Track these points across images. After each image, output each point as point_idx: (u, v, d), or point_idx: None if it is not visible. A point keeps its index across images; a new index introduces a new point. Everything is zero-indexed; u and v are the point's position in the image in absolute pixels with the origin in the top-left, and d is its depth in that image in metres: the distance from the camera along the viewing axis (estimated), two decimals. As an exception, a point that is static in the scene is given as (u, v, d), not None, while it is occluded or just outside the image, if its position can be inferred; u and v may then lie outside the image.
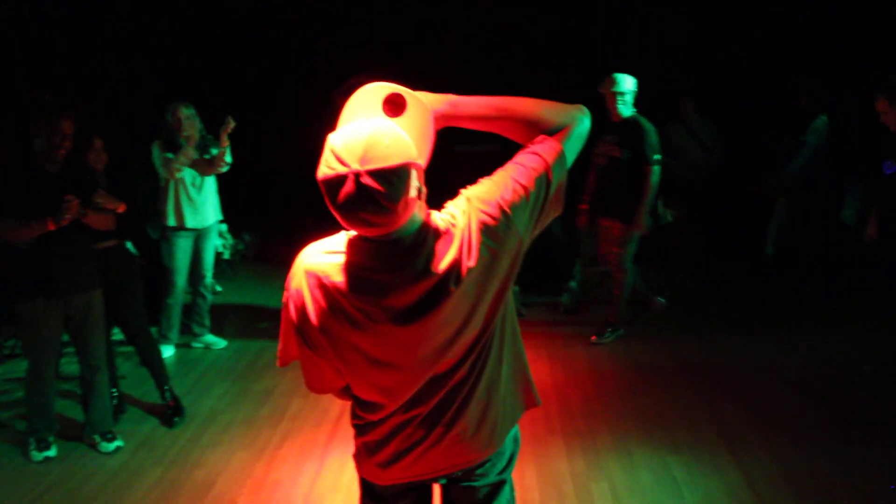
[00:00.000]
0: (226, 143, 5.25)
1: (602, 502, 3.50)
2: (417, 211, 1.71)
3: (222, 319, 6.28)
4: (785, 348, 5.32)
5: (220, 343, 5.73)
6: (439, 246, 1.72)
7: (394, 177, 1.59)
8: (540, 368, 5.00)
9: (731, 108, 7.34)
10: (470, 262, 1.71)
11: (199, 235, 5.48)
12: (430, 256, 1.71)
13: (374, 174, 1.57)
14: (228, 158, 5.35)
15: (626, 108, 5.25)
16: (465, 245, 1.71)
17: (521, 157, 1.80)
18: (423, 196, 1.72)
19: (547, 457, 3.87)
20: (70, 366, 4.89)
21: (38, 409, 4.07)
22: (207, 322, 5.75)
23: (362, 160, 1.58)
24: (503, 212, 1.73)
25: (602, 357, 5.30)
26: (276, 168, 8.63)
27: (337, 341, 1.78)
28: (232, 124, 5.21)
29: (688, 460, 3.83)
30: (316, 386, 1.98)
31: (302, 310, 1.80)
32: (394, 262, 1.70)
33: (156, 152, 5.24)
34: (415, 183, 1.65)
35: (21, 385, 4.24)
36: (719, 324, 5.95)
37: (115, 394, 4.52)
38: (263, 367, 5.30)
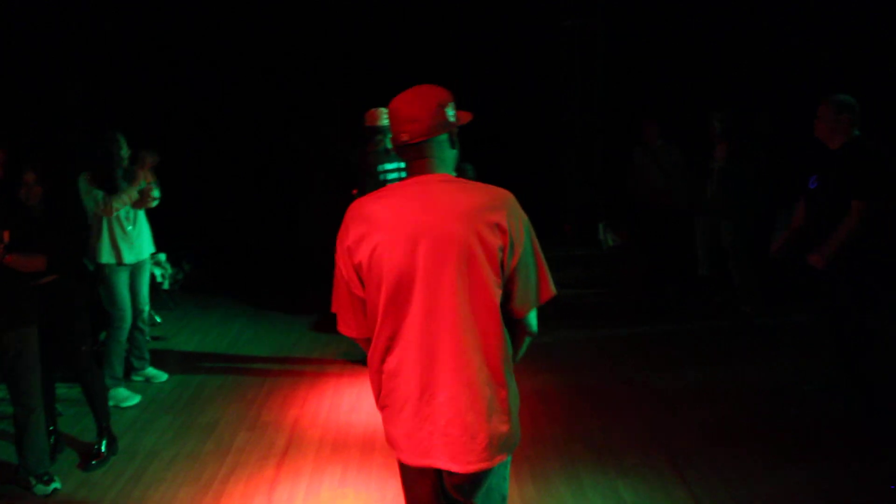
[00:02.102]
0: (149, 178, 5.15)
1: (553, 528, 3.52)
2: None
3: (163, 352, 6.14)
4: (728, 369, 5.44)
5: (161, 376, 5.58)
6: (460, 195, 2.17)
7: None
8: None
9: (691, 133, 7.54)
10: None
11: (135, 269, 5.32)
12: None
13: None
14: (156, 193, 5.24)
15: None
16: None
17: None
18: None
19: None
20: (5, 406, 4.71)
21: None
22: (147, 355, 5.60)
23: None
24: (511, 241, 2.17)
25: (548, 381, 5.33)
26: (214, 193, 8.54)
27: (371, 261, 2.17)
28: (154, 160, 5.11)
29: (636, 483, 3.87)
30: (352, 325, 2.32)
31: (345, 245, 2.22)
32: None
33: (84, 187, 5.00)
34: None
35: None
36: (664, 345, 6.06)
37: (52, 430, 4.35)
38: (206, 400, 5.19)
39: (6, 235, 3.80)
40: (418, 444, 2.24)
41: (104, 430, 4.37)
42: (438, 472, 2.35)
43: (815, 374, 5.06)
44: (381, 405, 2.33)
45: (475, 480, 2.28)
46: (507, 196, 2.20)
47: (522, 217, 2.21)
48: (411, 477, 2.42)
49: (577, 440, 4.40)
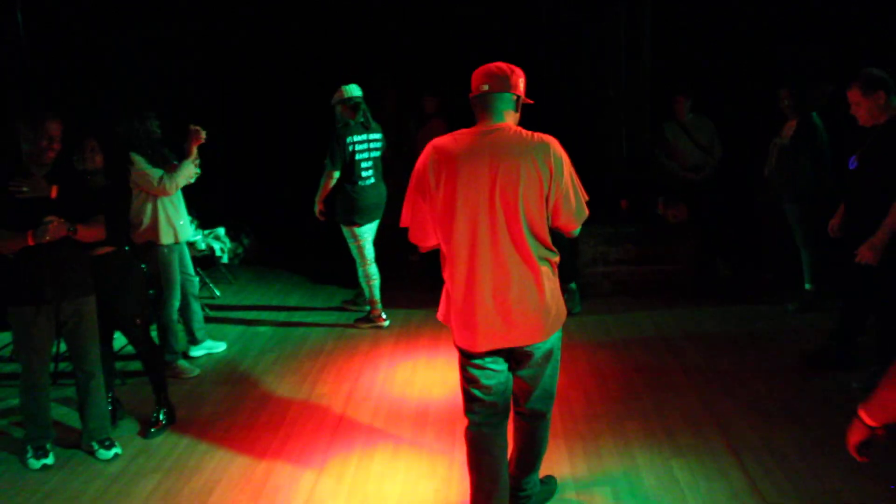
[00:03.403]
0: (193, 153, 5.08)
1: (605, 506, 3.47)
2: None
3: (221, 325, 6.26)
4: (788, 350, 5.27)
5: (219, 347, 5.69)
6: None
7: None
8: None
9: (727, 109, 7.32)
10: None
11: (182, 245, 5.37)
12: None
13: None
14: (197, 170, 5.18)
15: None
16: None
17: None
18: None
19: (549, 460, 3.81)
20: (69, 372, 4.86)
21: (34, 416, 4.03)
22: (205, 326, 5.70)
23: None
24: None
25: (604, 359, 5.26)
26: (272, 169, 8.62)
27: (439, 180, 2.86)
28: (203, 134, 5.08)
29: (691, 463, 3.79)
30: (418, 236, 3.02)
31: (421, 166, 2.93)
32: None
33: (146, 166, 4.91)
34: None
35: (17, 392, 4.20)
36: (720, 323, 5.92)
37: (111, 397, 4.47)
38: (262, 372, 5.27)
39: (54, 190, 3.82)
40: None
41: (162, 400, 4.47)
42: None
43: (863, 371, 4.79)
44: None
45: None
46: (551, 140, 2.89)
47: (562, 157, 2.87)
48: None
49: (632, 419, 4.33)
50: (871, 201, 4.32)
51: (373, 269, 6.04)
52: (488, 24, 8.12)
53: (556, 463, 3.83)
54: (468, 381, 3.06)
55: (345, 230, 5.96)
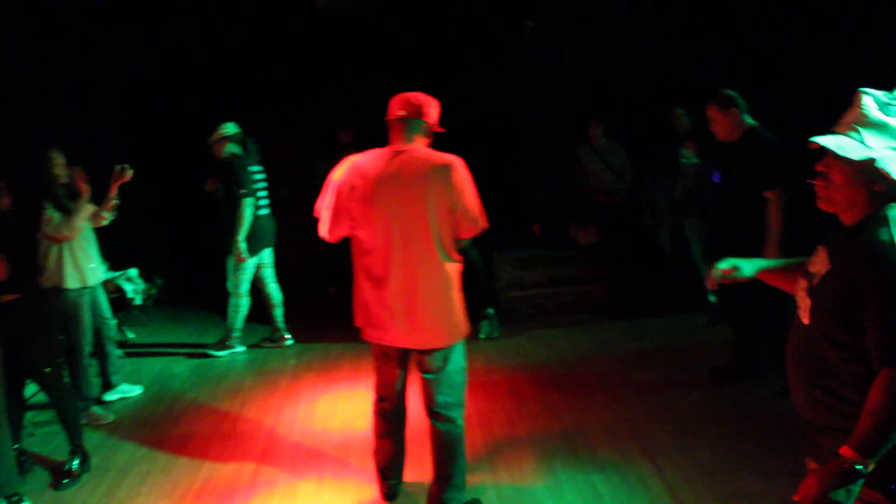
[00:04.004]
0: (114, 193, 5.05)
1: (530, 525, 3.53)
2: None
3: (137, 367, 6.09)
4: (700, 360, 5.47)
5: (135, 390, 5.53)
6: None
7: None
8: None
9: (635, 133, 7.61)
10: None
11: (94, 289, 5.20)
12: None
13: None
14: (115, 211, 5.14)
15: None
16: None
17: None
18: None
19: (473, 482, 3.87)
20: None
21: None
22: (119, 370, 5.54)
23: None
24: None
25: (523, 381, 5.35)
26: (182, 207, 8.45)
27: (353, 193, 3.27)
28: (129, 173, 5.04)
29: (611, 475, 3.90)
30: (324, 230, 3.37)
31: (338, 176, 3.31)
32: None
33: (55, 215, 4.76)
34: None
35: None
36: (634, 339, 6.11)
37: (17, 448, 4.27)
38: (181, 413, 5.14)
39: None
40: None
41: (76, 448, 4.31)
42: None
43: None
44: None
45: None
46: (455, 160, 3.26)
47: (464, 175, 3.27)
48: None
49: (553, 437, 4.42)
50: (737, 211, 4.69)
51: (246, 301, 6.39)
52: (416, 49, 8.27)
53: (482, 486, 3.88)
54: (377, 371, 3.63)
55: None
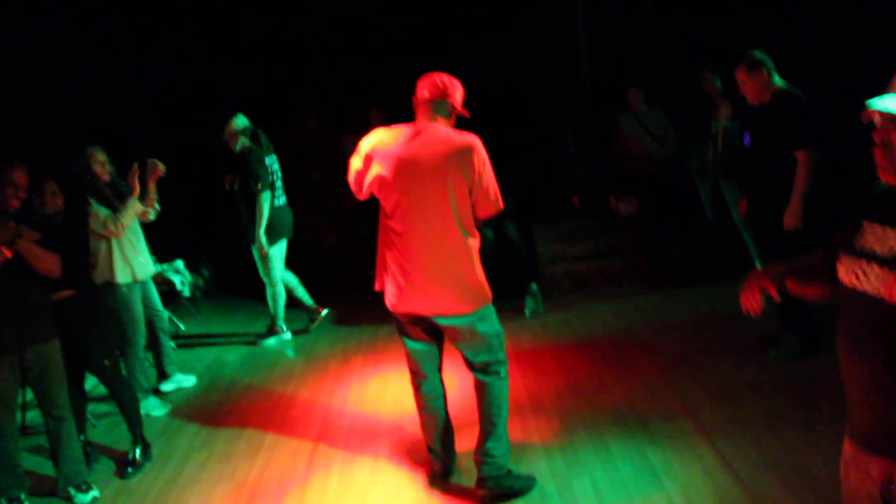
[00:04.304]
0: (152, 189, 5.15)
1: (584, 498, 3.55)
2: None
3: (190, 357, 6.23)
4: (745, 328, 5.40)
5: (189, 380, 5.67)
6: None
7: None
8: (511, 373, 5.03)
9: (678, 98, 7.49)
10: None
11: (145, 282, 5.34)
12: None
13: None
14: (157, 206, 5.25)
15: None
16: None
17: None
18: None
19: (526, 459, 3.91)
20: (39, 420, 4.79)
21: (3, 466, 3.94)
22: (174, 360, 5.67)
23: None
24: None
25: (571, 356, 5.36)
26: (229, 198, 8.56)
27: (377, 160, 3.38)
28: (161, 168, 5.13)
29: (664, 448, 3.89)
30: (355, 190, 3.52)
31: (364, 144, 3.43)
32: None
33: (102, 211, 4.87)
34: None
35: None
36: (681, 310, 6.07)
37: (83, 441, 4.42)
38: (235, 401, 5.26)
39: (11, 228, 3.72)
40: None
41: (137, 438, 4.44)
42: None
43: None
44: None
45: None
46: (474, 140, 3.35)
47: (483, 155, 3.35)
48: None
49: (603, 410, 4.42)
50: (769, 174, 4.60)
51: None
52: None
53: (534, 461, 3.91)
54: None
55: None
